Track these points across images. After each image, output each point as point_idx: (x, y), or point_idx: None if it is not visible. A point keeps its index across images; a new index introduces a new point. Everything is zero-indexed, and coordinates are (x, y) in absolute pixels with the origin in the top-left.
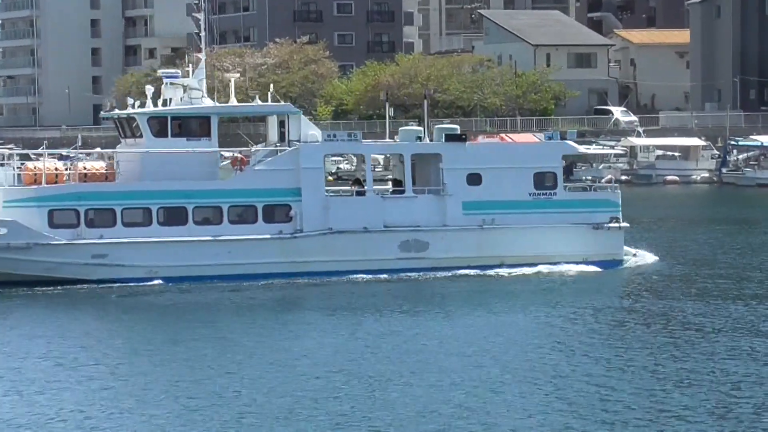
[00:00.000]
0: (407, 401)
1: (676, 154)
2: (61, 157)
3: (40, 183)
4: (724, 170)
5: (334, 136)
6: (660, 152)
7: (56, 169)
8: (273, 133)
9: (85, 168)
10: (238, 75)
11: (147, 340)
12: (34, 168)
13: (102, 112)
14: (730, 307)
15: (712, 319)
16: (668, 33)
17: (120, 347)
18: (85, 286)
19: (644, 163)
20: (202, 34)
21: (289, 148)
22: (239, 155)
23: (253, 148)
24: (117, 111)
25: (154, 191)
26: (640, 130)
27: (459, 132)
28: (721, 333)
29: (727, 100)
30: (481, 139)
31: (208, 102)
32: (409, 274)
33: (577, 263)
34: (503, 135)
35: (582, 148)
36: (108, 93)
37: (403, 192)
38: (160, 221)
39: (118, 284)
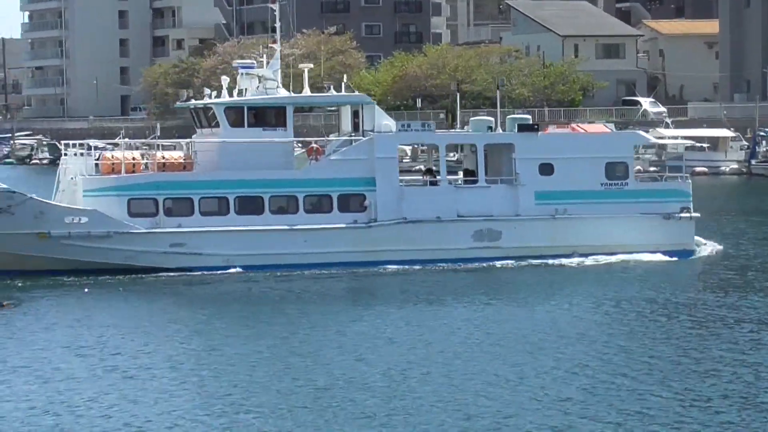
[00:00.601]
0: (492, 390)
1: (705, 145)
2: (103, 148)
3: (118, 172)
4: (753, 161)
5: (408, 126)
6: (689, 143)
7: (133, 158)
8: (346, 123)
9: (163, 157)
10: (311, 65)
11: (227, 328)
12: (112, 157)
13: (177, 102)
14: None
15: None
16: (697, 23)
17: (203, 335)
18: (163, 274)
19: (673, 154)
20: (277, 24)
21: (364, 138)
22: (315, 145)
23: (329, 138)
24: (193, 101)
25: (231, 181)
26: (669, 121)
27: (531, 122)
28: None
29: (756, 91)
30: (551, 129)
31: (282, 92)
32: (481, 263)
33: (649, 253)
34: (574, 125)
35: (653, 138)
36: (136, 84)
37: (476, 182)
38: (236, 210)
39: (195, 272)
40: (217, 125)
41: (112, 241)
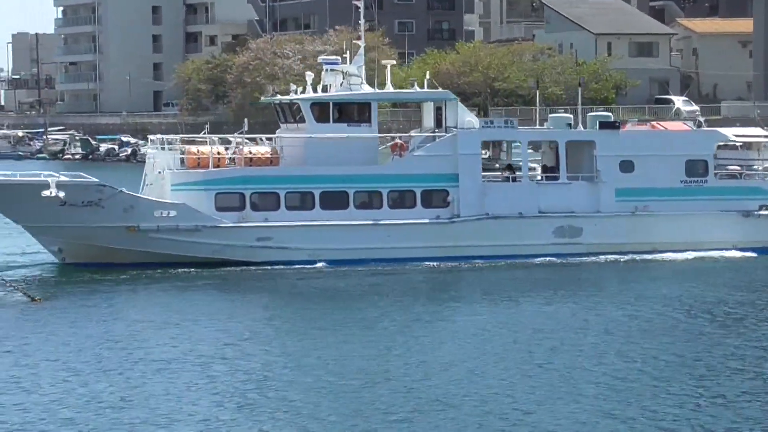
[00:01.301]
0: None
1: (738, 144)
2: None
3: (203, 167)
4: None
5: (491, 122)
6: (721, 142)
7: (218, 153)
8: (429, 119)
9: (250, 152)
10: (393, 62)
11: (316, 322)
12: (197, 152)
13: (262, 98)
14: None
15: None
16: (731, 22)
17: (292, 328)
18: (251, 268)
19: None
20: (361, 21)
21: (447, 134)
22: (399, 141)
23: (411, 134)
24: (279, 96)
25: (316, 176)
26: (702, 119)
27: (612, 119)
28: None
29: None
30: (629, 126)
31: (367, 88)
32: (561, 259)
33: (728, 250)
34: (654, 123)
35: (733, 136)
36: (168, 80)
37: (557, 178)
38: (321, 205)
39: (281, 267)
40: (302, 120)
41: (199, 235)
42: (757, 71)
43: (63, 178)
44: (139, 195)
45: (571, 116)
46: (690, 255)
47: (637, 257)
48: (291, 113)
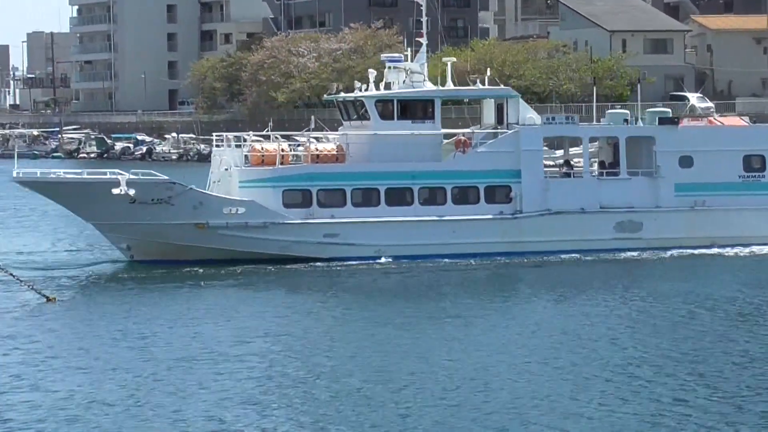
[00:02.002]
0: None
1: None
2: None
3: (267, 164)
4: None
5: (553, 119)
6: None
7: (282, 150)
8: (489, 116)
9: (317, 149)
10: (454, 59)
11: (388, 318)
12: (262, 149)
13: (325, 95)
14: None
15: None
16: (746, 18)
17: (369, 324)
18: (319, 264)
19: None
20: (423, 19)
21: (509, 131)
22: (463, 137)
23: (472, 130)
24: (343, 94)
25: (382, 172)
26: (717, 116)
27: (671, 115)
28: None
29: None
30: (686, 122)
31: (429, 85)
32: (622, 254)
33: None
34: (711, 118)
35: None
36: (184, 78)
37: (617, 174)
38: (387, 201)
39: (347, 262)
40: (365, 117)
41: (267, 231)
42: None
43: (133, 176)
44: (208, 192)
45: (628, 112)
46: (748, 249)
47: (696, 252)
48: (355, 110)
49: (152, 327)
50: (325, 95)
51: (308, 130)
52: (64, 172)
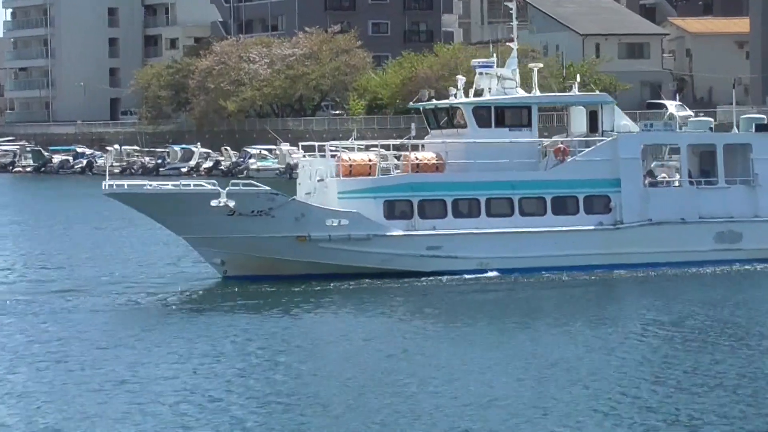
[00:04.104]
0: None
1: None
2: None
3: (356, 174)
4: None
5: (651, 125)
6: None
7: (369, 160)
8: (579, 123)
9: (417, 158)
10: (541, 65)
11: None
12: (349, 159)
13: (410, 103)
14: None
15: None
16: (727, 21)
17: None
18: (422, 279)
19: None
20: (513, 23)
21: (607, 139)
22: (562, 145)
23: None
24: (435, 101)
25: (482, 182)
26: None
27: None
28: None
29: None
30: None
31: (521, 92)
32: (722, 266)
33: None
34: None
35: None
36: (126, 86)
37: (715, 183)
38: (487, 212)
39: (450, 276)
40: (460, 126)
41: (370, 244)
42: (755, 74)
43: (233, 187)
44: (311, 204)
45: (712, 120)
46: None
47: None
48: (448, 118)
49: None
50: (410, 103)
51: (409, 138)
52: (158, 185)
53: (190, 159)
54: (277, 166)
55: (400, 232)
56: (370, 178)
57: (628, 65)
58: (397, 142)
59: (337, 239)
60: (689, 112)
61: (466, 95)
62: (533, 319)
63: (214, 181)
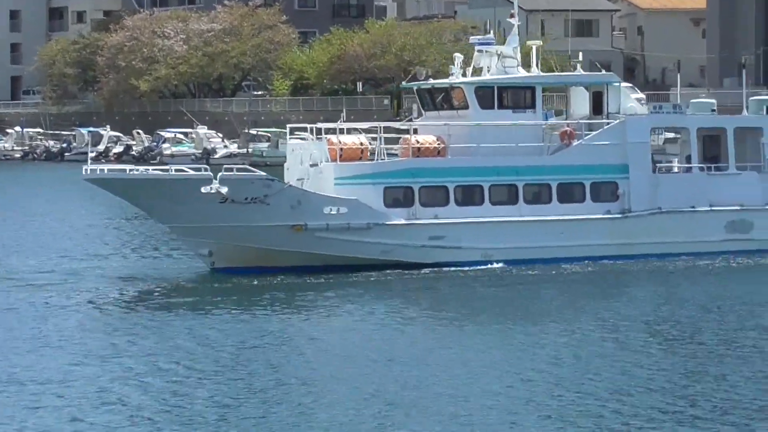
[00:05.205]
0: None
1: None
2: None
3: (347, 159)
4: None
5: (660, 107)
6: (670, 134)
7: (361, 144)
8: (581, 105)
9: (418, 141)
10: (540, 42)
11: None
12: (340, 142)
13: (404, 82)
14: None
15: None
16: None
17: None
18: (424, 270)
19: (654, 147)
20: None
21: (615, 121)
22: (568, 128)
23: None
24: (432, 80)
25: (487, 167)
26: None
27: None
28: None
29: (750, 76)
30: None
31: (522, 71)
32: (733, 256)
33: None
34: None
35: None
36: (29, 63)
37: (725, 169)
38: (491, 200)
39: (453, 268)
40: (458, 107)
41: (370, 233)
42: (711, 54)
43: (226, 173)
44: (308, 190)
45: (715, 101)
46: None
47: None
48: (446, 99)
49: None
50: (403, 82)
51: (409, 120)
52: (144, 170)
53: (98, 143)
54: (194, 151)
55: (401, 221)
56: (369, 162)
57: (576, 44)
58: (397, 124)
59: (335, 228)
60: (641, 95)
61: (465, 74)
62: (535, 317)
63: (206, 166)
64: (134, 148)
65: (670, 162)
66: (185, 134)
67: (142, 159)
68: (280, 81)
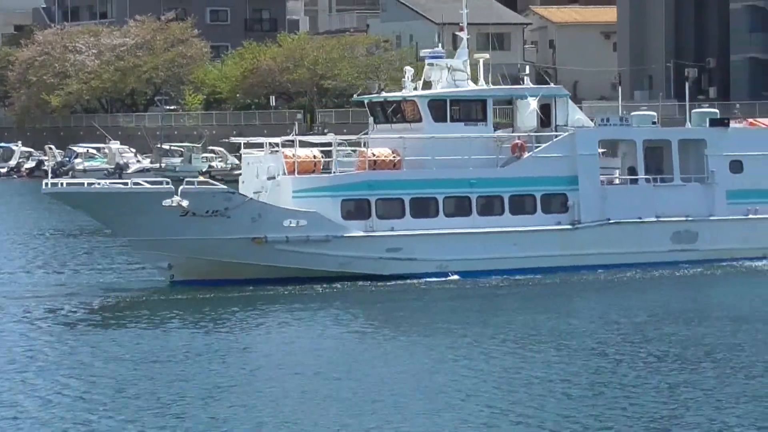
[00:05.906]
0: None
1: (600, 150)
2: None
3: (302, 172)
4: None
5: (608, 120)
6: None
7: (314, 156)
8: (527, 118)
9: (373, 154)
10: (487, 55)
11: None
12: (293, 156)
13: (356, 95)
14: None
15: None
16: (593, 11)
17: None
18: (379, 283)
19: None
20: (463, 11)
21: (563, 134)
22: (519, 141)
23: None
24: (385, 93)
25: (440, 180)
26: (757, 119)
27: (720, 116)
28: None
29: (660, 88)
30: (732, 124)
31: (472, 85)
32: (678, 266)
33: None
34: (753, 120)
35: None
36: None
37: (671, 180)
38: (445, 212)
39: (410, 280)
40: (410, 120)
41: (329, 246)
42: (623, 67)
43: (188, 186)
44: (267, 203)
45: (655, 114)
46: None
47: (749, 264)
48: (399, 112)
49: None
50: (355, 95)
51: (365, 133)
52: (105, 183)
53: (9, 159)
54: (106, 165)
55: (359, 233)
56: (327, 175)
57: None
58: (353, 137)
59: (295, 241)
60: None
61: (416, 89)
62: (480, 328)
63: (168, 180)
64: (46, 163)
65: (611, 174)
66: (98, 149)
67: (55, 174)
68: (192, 95)
